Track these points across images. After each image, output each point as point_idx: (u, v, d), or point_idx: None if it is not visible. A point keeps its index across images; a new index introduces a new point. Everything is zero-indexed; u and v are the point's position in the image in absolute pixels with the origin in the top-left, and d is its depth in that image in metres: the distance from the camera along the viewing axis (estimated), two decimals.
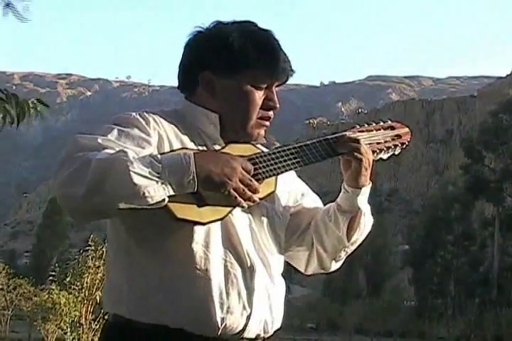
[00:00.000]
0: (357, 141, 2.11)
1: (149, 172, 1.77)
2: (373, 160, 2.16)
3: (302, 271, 2.32)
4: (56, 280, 15.80)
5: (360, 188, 2.14)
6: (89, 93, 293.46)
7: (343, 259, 2.29)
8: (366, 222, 2.21)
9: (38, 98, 4.02)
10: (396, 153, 2.27)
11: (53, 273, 16.25)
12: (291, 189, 2.25)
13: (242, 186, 1.87)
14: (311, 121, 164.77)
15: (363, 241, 2.27)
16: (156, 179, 1.78)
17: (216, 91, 2.08)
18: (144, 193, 1.76)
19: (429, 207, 72.21)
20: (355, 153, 2.10)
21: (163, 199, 1.81)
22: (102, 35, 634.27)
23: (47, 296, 16.67)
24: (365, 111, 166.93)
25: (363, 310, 60.41)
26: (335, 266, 2.29)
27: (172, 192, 1.80)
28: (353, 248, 2.24)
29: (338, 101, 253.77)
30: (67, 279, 14.00)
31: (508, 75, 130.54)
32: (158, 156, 1.83)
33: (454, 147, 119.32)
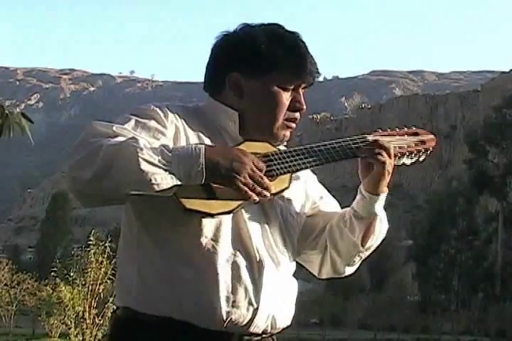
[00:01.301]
0: (381, 145, 2.09)
1: (158, 160, 1.79)
2: (394, 166, 2.13)
3: (316, 274, 2.31)
4: (58, 276, 15.83)
5: (379, 195, 2.12)
6: (92, 88, 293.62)
7: (358, 264, 2.27)
8: (382, 228, 2.20)
9: (23, 112, 4.02)
10: (421, 159, 2.26)
11: (55, 268, 16.28)
12: (310, 191, 2.25)
13: (251, 182, 1.87)
14: (314, 116, 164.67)
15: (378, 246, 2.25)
16: (164, 167, 1.79)
17: (244, 92, 2.08)
18: (150, 180, 1.78)
19: (432, 201, 72.19)
20: (379, 157, 2.07)
21: (171, 188, 1.82)
22: (105, 30, 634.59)
23: (51, 291, 16.72)
24: (369, 106, 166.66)
25: (367, 305, 60.51)
26: (349, 270, 2.27)
27: (179, 182, 1.81)
28: (367, 253, 2.22)
29: (341, 96, 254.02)
30: (71, 274, 14.03)
31: (511, 70, 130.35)
32: (170, 146, 1.84)
33: (457, 142, 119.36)
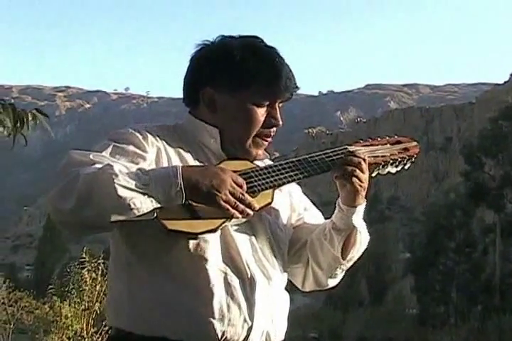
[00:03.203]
0: (359, 160, 2.07)
1: (135, 185, 1.78)
2: (370, 178, 2.11)
3: (299, 287, 2.30)
4: (56, 294, 15.78)
5: (356, 207, 2.11)
6: (87, 105, 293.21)
7: (341, 276, 2.26)
8: (362, 240, 2.18)
9: (37, 108, 4.01)
10: (406, 167, 2.24)
11: (52, 286, 16.24)
12: (295, 203, 2.25)
13: (233, 199, 1.85)
14: (310, 130, 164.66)
15: (360, 256, 2.23)
16: (142, 191, 1.78)
17: (217, 107, 2.07)
18: (129, 205, 1.77)
19: (430, 214, 72.09)
20: (349, 177, 2.06)
21: (153, 211, 1.81)
22: (99, 47, 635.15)
23: (49, 309, 16.65)
24: (364, 120, 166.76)
25: (366, 319, 60.30)
26: (331, 283, 2.26)
27: (159, 204, 1.80)
28: (349, 265, 2.22)
29: (336, 110, 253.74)
30: (67, 292, 13.99)
31: (505, 82, 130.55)
32: (146, 169, 1.84)
33: (453, 154, 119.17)
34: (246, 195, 1.89)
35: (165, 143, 2.03)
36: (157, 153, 1.99)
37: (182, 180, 1.81)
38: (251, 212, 1.90)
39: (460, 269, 63.21)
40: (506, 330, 51.06)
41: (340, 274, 2.25)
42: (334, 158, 2.09)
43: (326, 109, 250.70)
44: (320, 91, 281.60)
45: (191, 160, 2.03)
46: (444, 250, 63.07)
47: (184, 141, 2.08)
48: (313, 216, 2.29)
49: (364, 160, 2.08)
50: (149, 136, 2.02)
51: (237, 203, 1.86)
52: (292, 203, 2.24)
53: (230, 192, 1.86)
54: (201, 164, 2.03)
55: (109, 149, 1.94)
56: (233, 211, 1.86)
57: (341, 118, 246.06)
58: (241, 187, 1.89)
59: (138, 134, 2.01)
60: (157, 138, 2.03)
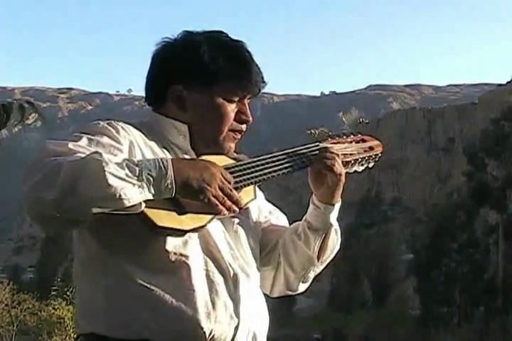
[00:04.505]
0: (333, 155, 2.07)
1: (126, 174, 1.69)
2: (346, 173, 2.12)
3: (267, 292, 2.23)
4: (59, 295, 15.80)
5: (334, 205, 2.09)
6: (90, 107, 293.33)
7: (310, 281, 2.22)
8: (337, 240, 2.16)
9: (28, 100, 3.91)
10: (370, 166, 2.25)
11: (55, 287, 16.25)
12: (261, 205, 2.22)
13: (221, 194, 1.80)
14: (312, 131, 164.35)
15: (334, 257, 2.20)
16: (133, 181, 1.69)
17: (187, 105, 2.02)
18: (120, 195, 1.67)
19: (432, 215, 72.04)
20: (334, 168, 2.05)
21: (140, 204, 1.73)
22: (102, 48, 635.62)
23: (52, 311, 16.68)
24: (367, 121, 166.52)
25: (369, 320, 60.25)
26: (302, 287, 2.22)
27: (150, 196, 1.72)
28: (321, 268, 2.19)
29: (339, 111, 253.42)
30: (69, 293, 14.00)
31: (508, 82, 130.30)
32: (135, 160, 1.76)
33: (455, 155, 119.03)
34: (234, 191, 1.84)
35: (136, 137, 1.96)
36: (130, 147, 1.91)
37: (173, 172, 1.74)
38: (237, 209, 1.85)
39: (463, 270, 63.18)
40: (509, 331, 51.03)
41: (311, 278, 2.20)
42: (310, 153, 2.09)
43: (328, 109, 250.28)
44: (322, 92, 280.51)
45: (162, 155, 1.95)
46: (447, 251, 63.03)
47: (151, 137, 2.00)
48: (279, 219, 2.25)
49: (338, 155, 2.08)
50: (120, 128, 1.93)
51: (225, 199, 1.81)
52: (259, 205, 2.21)
53: (220, 187, 1.80)
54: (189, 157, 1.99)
55: (85, 141, 1.85)
56: (221, 207, 1.80)
57: (344, 119, 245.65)
58: (229, 182, 1.84)
59: (110, 127, 1.92)
60: (128, 131, 1.95)
